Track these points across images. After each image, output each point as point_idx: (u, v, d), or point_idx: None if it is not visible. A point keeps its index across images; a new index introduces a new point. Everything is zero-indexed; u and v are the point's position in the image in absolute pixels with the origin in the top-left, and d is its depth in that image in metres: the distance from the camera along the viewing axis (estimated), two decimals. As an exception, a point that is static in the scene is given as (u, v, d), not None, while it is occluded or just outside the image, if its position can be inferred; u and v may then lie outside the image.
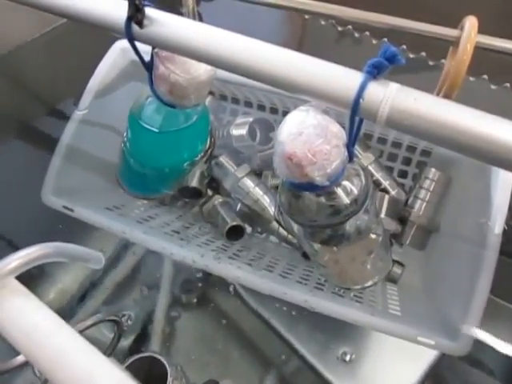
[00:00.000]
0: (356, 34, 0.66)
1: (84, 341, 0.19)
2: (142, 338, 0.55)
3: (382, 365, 0.50)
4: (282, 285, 0.40)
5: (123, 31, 0.31)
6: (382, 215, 0.47)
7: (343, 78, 0.27)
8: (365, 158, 0.50)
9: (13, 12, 0.59)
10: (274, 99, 0.51)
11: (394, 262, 0.48)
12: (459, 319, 0.37)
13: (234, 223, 0.47)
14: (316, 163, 0.30)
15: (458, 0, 0.53)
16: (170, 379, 0.33)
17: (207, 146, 0.45)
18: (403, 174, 0.54)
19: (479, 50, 0.42)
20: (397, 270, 0.47)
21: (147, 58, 0.35)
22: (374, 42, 0.65)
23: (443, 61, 0.38)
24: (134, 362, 0.35)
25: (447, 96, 0.34)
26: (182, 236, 0.44)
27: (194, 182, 0.48)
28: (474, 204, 0.42)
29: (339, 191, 0.33)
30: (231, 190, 0.49)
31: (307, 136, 0.30)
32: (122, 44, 0.47)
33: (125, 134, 0.43)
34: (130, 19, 0.30)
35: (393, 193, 0.50)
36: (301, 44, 0.74)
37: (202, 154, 0.44)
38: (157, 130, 0.39)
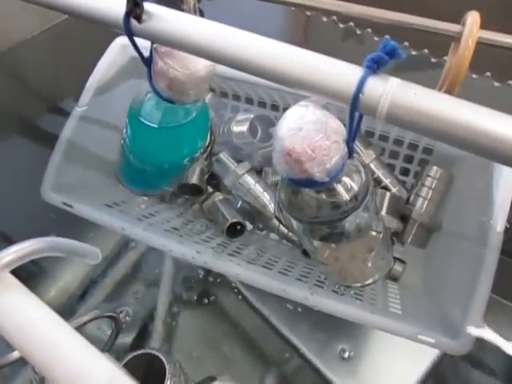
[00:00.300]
0: (358, 31, 0.66)
1: (79, 336, 0.19)
2: (143, 336, 0.55)
3: (381, 363, 0.49)
4: (282, 282, 0.40)
5: (122, 26, 0.31)
6: (383, 213, 0.47)
7: (343, 73, 0.27)
8: (366, 155, 0.50)
9: (13, 9, 0.59)
10: (275, 96, 0.51)
11: (395, 259, 0.47)
12: (460, 318, 0.37)
13: (234, 220, 0.46)
14: (315, 159, 0.30)
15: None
16: (168, 376, 0.33)
17: (207, 143, 0.44)
18: (405, 172, 0.54)
19: (482, 46, 0.42)
20: (398, 267, 0.47)
21: (147, 54, 0.35)
22: (376, 39, 0.64)
23: (446, 58, 0.38)
24: (132, 358, 0.35)
25: (449, 92, 0.34)
26: (181, 233, 0.44)
27: (194, 179, 0.48)
28: (475, 202, 0.42)
29: (339, 187, 0.33)
30: (231, 186, 0.48)
31: (307, 131, 0.30)
32: (123, 40, 0.47)
33: (124, 131, 0.43)
34: (128, 14, 0.30)
35: (394, 190, 0.50)
36: (304, 41, 0.73)
37: (202, 150, 0.43)
38: (156, 126, 0.39)
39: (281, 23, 0.77)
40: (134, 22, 0.31)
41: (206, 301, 0.57)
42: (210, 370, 0.53)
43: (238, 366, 0.54)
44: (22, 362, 0.23)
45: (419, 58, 0.56)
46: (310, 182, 0.31)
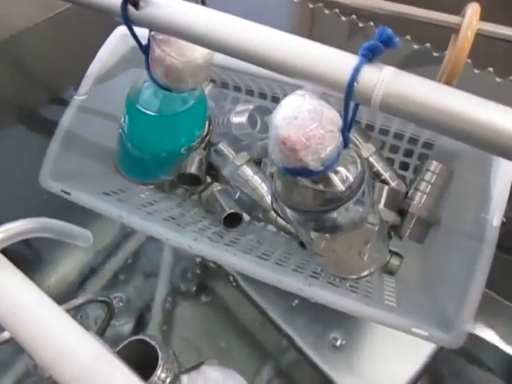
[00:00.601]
0: (360, 24, 0.65)
1: (65, 315, 0.19)
2: (141, 325, 0.55)
3: (375, 355, 0.49)
4: (277, 272, 0.40)
5: (120, 13, 0.31)
6: (381, 206, 0.46)
7: (338, 61, 0.27)
8: (366, 148, 0.50)
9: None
10: (276, 87, 0.51)
11: (393, 253, 0.47)
12: (454, 312, 0.37)
13: (232, 210, 0.46)
14: (310, 147, 0.30)
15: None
16: (160, 362, 0.33)
17: (205, 132, 0.44)
18: (405, 166, 0.53)
19: (485, 42, 0.42)
20: (395, 261, 0.47)
21: (146, 43, 0.35)
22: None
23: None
24: (126, 345, 0.35)
25: (447, 83, 0.34)
26: (179, 222, 0.44)
27: (192, 169, 0.48)
28: (474, 198, 0.42)
29: (334, 177, 0.33)
30: (230, 177, 0.49)
31: (302, 120, 0.30)
32: (123, 30, 0.47)
33: (122, 119, 0.43)
34: (126, 0, 0.30)
35: (393, 184, 0.50)
36: (310, 35, 0.73)
37: (200, 139, 0.43)
38: (154, 114, 0.39)
39: (286, 18, 0.76)
40: (131, 8, 0.31)
41: (204, 293, 0.57)
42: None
43: (235, 357, 0.54)
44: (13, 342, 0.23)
45: (421, 52, 0.56)
46: (305, 171, 0.31)
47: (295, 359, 0.51)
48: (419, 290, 0.45)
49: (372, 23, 0.64)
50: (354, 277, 0.42)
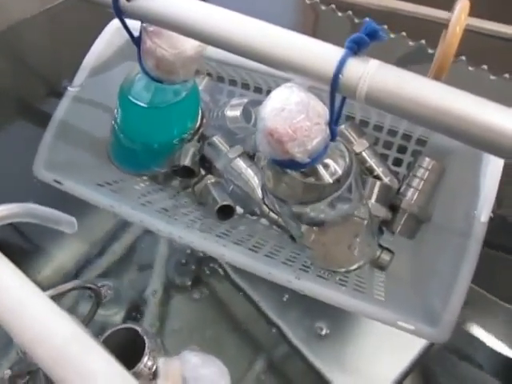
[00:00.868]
0: (356, 20, 0.65)
1: (45, 297, 0.20)
2: (135, 317, 0.55)
3: (365, 349, 0.50)
4: (267, 264, 0.40)
5: (111, 4, 0.31)
6: (373, 201, 0.47)
7: (323, 54, 0.27)
8: (359, 144, 0.50)
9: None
10: (270, 82, 0.51)
11: (384, 248, 0.47)
12: (441, 307, 0.37)
13: (224, 203, 0.47)
14: (296, 139, 0.30)
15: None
16: (147, 350, 0.33)
17: (198, 124, 0.45)
18: (398, 163, 0.54)
19: (480, 39, 0.42)
20: (385, 256, 0.47)
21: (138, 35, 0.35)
22: (392, 35, 0.63)
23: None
24: (115, 332, 0.35)
25: (436, 78, 0.34)
26: (171, 213, 0.45)
27: (186, 161, 0.48)
28: (465, 194, 0.42)
29: (322, 170, 0.33)
30: (223, 170, 0.49)
31: (289, 112, 0.30)
32: (119, 23, 0.47)
33: (116, 111, 0.43)
34: (117, -9, 0.31)
35: (385, 180, 0.50)
36: (305, 29, 0.73)
37: (193, 131, 0.44)
38: (146, 106, 0.39)
39: (290, 16, 0.76)
40: (123, 0, 0.31)
41: (198, 286, 0.57)
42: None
43: (227, 350, 0.54)
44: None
45: (417, 49, 0.55)
46: (292, 163, 0.32)
47: (287, 353, 0.52)
48: (408, 286, 0.45)
49: (386, 26, 0.63)
50: (343, 270, 0.42)
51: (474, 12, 0.38)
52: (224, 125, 0.50)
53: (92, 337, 0.19)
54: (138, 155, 0.45)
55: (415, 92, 0.25)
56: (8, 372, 0.27)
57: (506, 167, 0.39)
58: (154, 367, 0.33)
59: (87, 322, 0.31)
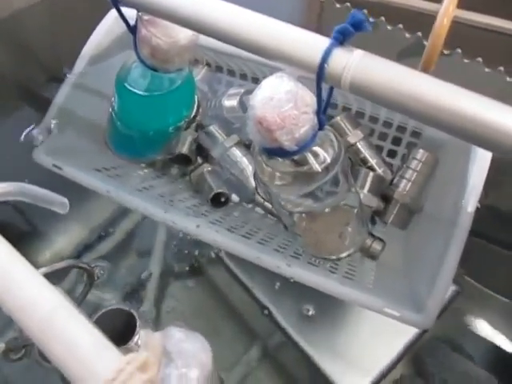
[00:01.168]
0: (371, 19, 0.65)
1: (34, 270, 0.21)
2: (133, 302, 0.56)
3: (357, 340, 0.51)
4: (258, 250, 0.41)
5: (107, -8, 0.32)
6: (365, 191, 0.47)
7: (310, 43, 0.28)
8: (354, 135, 0.51)
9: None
10: (267, 72, 0.51)
11: (375, 238, 0.48)
12: (426, 294, 0.38)
13: (219, 190, 0.48)
14: (284, 127, 0.31)
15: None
16: (137, 330, 0.35)
17: (193, 113, 0.46)
18: (393, 154, 0.54)
19: (476, 32, 0.42)
20: (377, 246, 0.48)
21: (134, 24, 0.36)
22: (389, 27, 0.63)
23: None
24: (107, 313, 0.37)
25: (424, 70, 0.35)
26: (166, 200, 0.46)
27: (184, 149, 0.49)
28: (455, 186, 0.42)
29: (310, 158, 0.34)
30: (220, 158, 0.50)
31: (278, 101, 0.31)
32: (118, 11, 0.48)
33: (113, 99, 0.44)
34: (112, -21, 0.31)
35: (379, 171, 0.50)
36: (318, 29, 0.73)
37: (188, 120, 0.45)
38: (141, 93, 0.40)
39: (295, 9, 0.76)
40: (118, -13, 0.32)
41: (196, 273, 0.58)
42: None
43: (224, 336, 0.55)
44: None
45: (413, 41, 0.55)
46: (281, 151, 0.32)
47: (282, 342, 0.53)
48: (398, 274, 0.46)
49: (383, 18, 0.63)
50: (334, 257, 0.43)
51: (470, 6, 0.39)
52: (221, 114, 0.51)
53: (77, 309, 0.20)
54: (135, 142, 0.46)
55: (397, 81, 0.26)
56: (2, 346, 0.29)
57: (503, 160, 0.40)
58: (145, 346, 0.35)
59: (80, 300, 0.33)
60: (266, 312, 0.52)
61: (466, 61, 0.50)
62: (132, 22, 0.36)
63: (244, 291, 0.55)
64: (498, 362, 0.53)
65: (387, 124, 0.53)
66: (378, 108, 0.51)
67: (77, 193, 0.54)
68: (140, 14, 0.35)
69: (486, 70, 0.49)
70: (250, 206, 0.52)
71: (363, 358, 0.50)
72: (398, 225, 0.49)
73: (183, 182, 0.52)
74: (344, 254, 0.43)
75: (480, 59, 0.49)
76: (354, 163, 0.51)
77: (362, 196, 0.46)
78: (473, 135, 0.24)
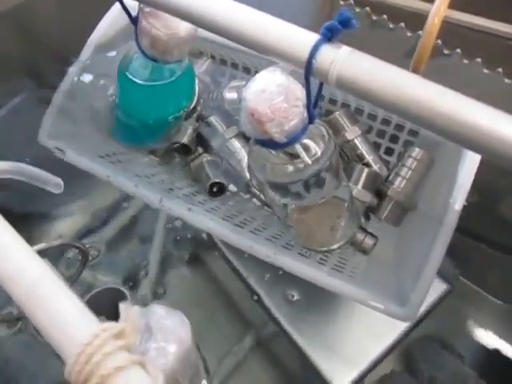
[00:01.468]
0: (374, 17, 0.65)
1: (20, 239, 0.22)
2: (131, 288, 0.58)
3: (347, 332, 0.52)
4: (250, 239, 0.42)
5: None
6: (359, 187, 0.48)
7: (299, 39, 0.29)
8: (351, 131, 0.51)
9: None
10: (268, 66, 0.52)
11: (368, 233, 0.49)
12: (410, 288, 0.39)
13: (216, 180, 0.49)
14: (274, 120, 0.32)
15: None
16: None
17: (193, 103, 0.47)
18: (390, 152, 0.55)
19: (476, 33, 0.43)
20: (369, 241, 0.49)
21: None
22: (391, 26, 0.64)
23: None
24: (101, 293, 0.38)
25: (415, 70, 0.35)
26: (164, 187, 0.47)
27: (184, 139, 0.51)
28: (446, 184, 0.43)
29: (301, 150, 0.35)
30: (219, 149, 0.51)
31: (269, 94, 0.32)
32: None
33: (115, 87, 0.45)
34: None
35: (375, 167, 0.51)
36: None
37: (188, 110, 0.46)
38: (142, 83, 0.42)
39: (302, 7, 0.77)
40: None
41: (195, 261, 0.60)
42: (194, 326, 0.56)
43: (219, 325, 0.57)
44: None
45: (414, 40, 0.56)
46: (271, 143, 0.34)
47: (275, 332, 0.54)
48: (388, 270, 0.47)
49: (385, 16, 0.64)
50: (324, 249, 0.44)
51: (472, 9, 0.39)
52: (222, 106, 0.52)
53: (61, 280, 0.21)
54: (135, 130, 0.47)
55: (381, 78, 0.27)
56: (-4, 317, 0.30)
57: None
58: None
59: (74, 279, 0.34)
60: (255, 298, 0.53)
61: (465, 61, 0.51)
62: (134, 13, 0.37)
63: (240, 281, 0.57)
64: (488, 363, 0.54)
65: (385, 122, 0.53)
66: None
67: (82, 178, 0.56)
68: (141, 5, 0.36)
69: (485, 71, 0.50)
70: (247, 196, 0.54)
71: (352, 350, 0.52)
72: (391, 221, 0.50)
73: (183, 171, 0.53)
74: (334, 247, 0.44)
75: (479, 60, 0.49)
76: (351, 159, 0.52)
77: (355, 191, 0.47)
78: (450, 134, 0.25)
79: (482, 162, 0.40)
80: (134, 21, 0.37)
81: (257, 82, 0.33)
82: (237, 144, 0.50)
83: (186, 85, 0.45)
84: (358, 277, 0.43)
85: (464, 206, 0.45)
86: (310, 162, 0.35)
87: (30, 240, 0.30)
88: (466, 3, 0.40)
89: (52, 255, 0.54)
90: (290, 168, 0.36)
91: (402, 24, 0.60)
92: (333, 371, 0.50)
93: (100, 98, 0.49)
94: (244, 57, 0.54)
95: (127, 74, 0.42)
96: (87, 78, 0.48)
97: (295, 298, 0.52)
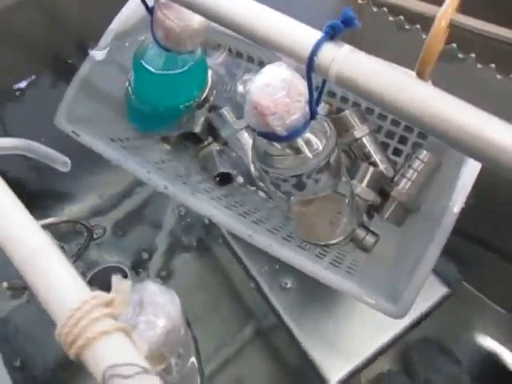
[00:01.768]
0: (407, 26, 0.65)
1: (24, 209, 0.24)
2: (138, 272, 0.59)
3: (344, 327, 0.53)
4: (251, 229, 0.43)
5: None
6: (363, 185, 0.49)
7: (303, 35, 0.29)
8: (360, 129, 0.52)
9: None
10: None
11: (369, 231, 0.50)
12: (404, 286, 0.39)
13: (223, 170, 0.50)
14: (276, 113, 0.33)
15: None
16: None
17: (205, 94, 0.48)
18: (398, 153, 0.55)
19: (493, 41, 0.42)
20: (370, 239, 0.49)
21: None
22: (408, 27, 0.63)
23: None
24: (102, 271, 0.40)
25: (419, 72, 0.35)
26: (172, 173, 0.49)
27: (196, 128, 0.53)
28: (449, 187, 0.43)
29: (302, 145, 0.36)
30: (228, 140, 0.52)
31: (273, 88, 0.33)
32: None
33: (130, 74, 0.47)
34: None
35: (381, 167, 0.52)
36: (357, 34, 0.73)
37: (199, 100, 0.47)
38: (155, 71, 0.43)
39: (325, 8, 0.77)
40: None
41: (202, 249, 0.61)
42: (196, 312, 0.58)
43: (222, 312, 0.58)
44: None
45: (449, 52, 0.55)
46: (273, 136, 0.35)
47: (275, 324, 0.55)
48: (386, 268, 0.47)
49: (402, 17, 0.63)
50: (323, 243, 0.45)
51: (488, 16, 0.39)
52: (234, 98, 0.54)
53: (60, 251, 0.23)
54: (147, 116, 0.49)
55: (380, 79, 0.28)
56: (5, 284, 0.32)
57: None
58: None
59: (79, 254, 0.36)
60: (252, 285, 0.55)
61: (479, 66, 0.50)
62: (151, 4, 0.39)
63: (242, 270, 0.58)
64: (485, 370, 0.54)
65: (395, 122, 0.54)
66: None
67: (97, 162, 0.57)
68: (158, -3, 0.38)
69: (498, 76, 0.50)
70: (253, 188, 0.55)
71: (349, 345, 0.52)
72: (393, 221, 0.51)
73: (192, 159, 0.55)
74: (333, 241, 0.45)
75: (493, 65, 0.49)
76: (358, 157, 0.53)
77: (359, 189, 0.48)
78: (448, 136, 0.26)
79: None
80: (151, 11, 0.38)
81: (262, 75, 0.34)
82: (246, 136, 0.52)
83: (198, 75, 0.47)
84: (355, 273, 0.44)
85: (474, 213, 0.45)
86: (310, 156, 0.36)
87: (43, 217, 0.32)
88: (482, 10, 0.40)
89: (64, 233, 0.56)
90: (291, 161, 0.37)
91: (418, 26, 0.60)
92: (328, 364, 0.51)
93: (116, 84, 0.51)
94: (259, 51, 0.54)
95: (142, 62, 0.44)
96: (106, 63, 0.49)
97: (288, 285, 0.54)
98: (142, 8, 0.48)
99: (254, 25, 0.30)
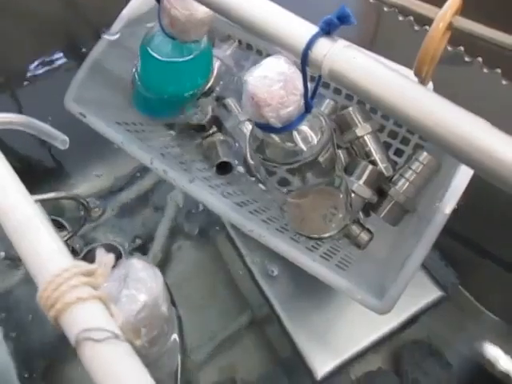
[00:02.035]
0: (416, 27, 0.65)
1: (19, 182, 0.25)
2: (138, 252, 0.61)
3: (335, 321, 0.54)
4: (246, 218, 0.44)
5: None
6: (361, 182, 0.49)
7: (299, 30, 0.30)
8: (363, 127, 0.52)
9: None
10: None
11: (364, 228, 0.50)
12: (390, 283, 0.40)
13: (225, 159, 0.51)
14: (271, 105, 0.34)
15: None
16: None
17: (210, 83, 0.49)
18: (400, 153, 0.56)
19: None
20: (364, 236, 0.50)
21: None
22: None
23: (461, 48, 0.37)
24: (96, 247, 0.41)
25: (417, 72, 0.36)
26: (175, 160, 0.50)
27: (201, 117, 0.53)
28: (443, 189, 0.44)
29: (297, 137, 0.37)
30: (232, 130, 0.53)
31: (270, 80, 0.34)
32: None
33: (137, 60, 0.48)
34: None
35: (381, 166, 0.52)
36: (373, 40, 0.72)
37: (203, 88, 0.48)
38: (161, 59, 0.44)
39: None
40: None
41: (203, 237, 0.62)
42: (195, 299, 0.59)
43: (219, 300, 0.59)
44: None
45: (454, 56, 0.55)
46: (268, 127, 0.35)
47: (268, 314, 0.56)
48: (377, 265, 0.48)
49: (427, 28, 0.62)
50: (315, 236, 0.46)
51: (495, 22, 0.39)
52: (240, 89, 0.54)
53: (48, 222, 0.24)
54: (151, 102, 0.50)
55: (371, 75, 0.28)
56: (2, 254, 0.34)
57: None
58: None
59: (75, 231, 0.37)
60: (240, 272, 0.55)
61: (485, 70, 0.50)
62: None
63: (241, 261, 0.59)
64: (474, 375, 0.55)
65: (398, 123, 0.54)
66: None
67: (105, 146, 0.59)
68: (165, -15, 0.39)
69: (504, 81, 0.49)
70: (253, 179, 0.56)
71: (338, 339, 0.53)
72: (389, 220, 0.51)
73: (195, 146, 0.56)
74: (325, 235, 0.46)
75: (499, 70, 0.49)
76: (359, 155, 0.53)
77: (355, 186, 0.48)
78: (433, 134, 0.26)
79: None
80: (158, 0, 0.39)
81: (261, 67, 0.35)
82: (249, 127, 0.52)
83: (202, 64, 0.48)
84: (346, 268, 0.45)
85: (474, 220, 0.45)
86: (304, 148, 0.37)
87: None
88: (488, 16, 0.40)
89: (67, 210, 0.57)
90: (286, 153, 0.38)
91: (427, 27, 0.59)
92: (316, 357, 0.52)
93: (126, 69, 0.52)
94: (268, 45, 0.55)
95: (148, 49, 0.45)
96: (117, 48, 0.50)
97: (275, 273, 0.55)
98: (152, -1, 0.50)
99: (252, 16, 0.31)
